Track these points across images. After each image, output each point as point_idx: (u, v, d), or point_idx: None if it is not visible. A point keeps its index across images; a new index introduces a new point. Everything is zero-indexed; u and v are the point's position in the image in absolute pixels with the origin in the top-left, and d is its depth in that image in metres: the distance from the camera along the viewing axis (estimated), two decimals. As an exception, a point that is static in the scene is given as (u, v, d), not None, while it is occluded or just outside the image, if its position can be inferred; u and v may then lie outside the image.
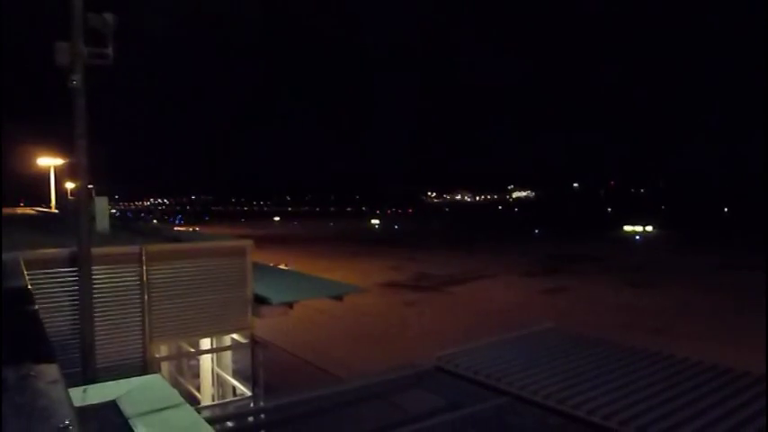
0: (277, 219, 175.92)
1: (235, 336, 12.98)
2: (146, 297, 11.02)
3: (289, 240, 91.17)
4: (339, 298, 13.36)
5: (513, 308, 33.82)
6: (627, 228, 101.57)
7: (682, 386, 8.28)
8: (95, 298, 10.24)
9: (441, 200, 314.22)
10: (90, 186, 12.15)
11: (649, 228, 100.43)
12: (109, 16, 9.30)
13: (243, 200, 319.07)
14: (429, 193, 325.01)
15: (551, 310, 32.24)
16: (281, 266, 37.92)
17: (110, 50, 9.46)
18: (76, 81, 9.45)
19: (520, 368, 9.25)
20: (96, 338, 10.05)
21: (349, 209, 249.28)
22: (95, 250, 10.24)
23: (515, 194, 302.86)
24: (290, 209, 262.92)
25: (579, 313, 31.67)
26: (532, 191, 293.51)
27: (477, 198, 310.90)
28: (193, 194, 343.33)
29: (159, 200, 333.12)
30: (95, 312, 10.18)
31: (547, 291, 40.29)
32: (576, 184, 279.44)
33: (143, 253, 11.02)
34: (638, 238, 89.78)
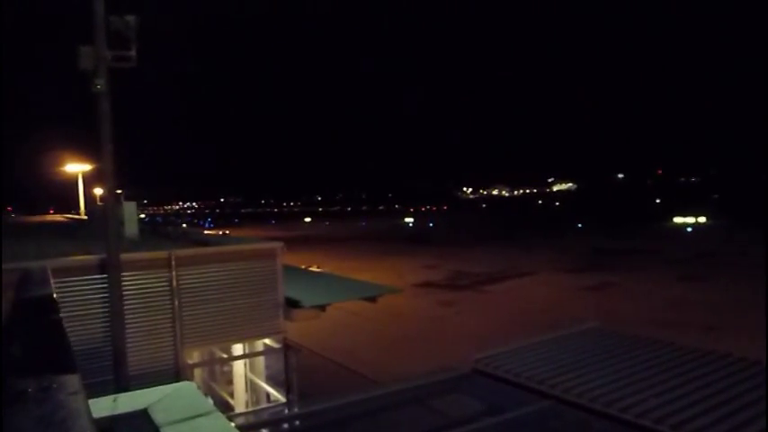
0: (308, 219, 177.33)
1: (267, 341, 13.13)
2: (176, 303, 11.24)
3: (320, 241, 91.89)
4: (373, 299, 13.43)
5: (554, 306, 33.39)
6: (677, 219, 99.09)
7: (738, 388, 8.05)
8: (125, 304, 10.52)
9: (477, 195, 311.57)
10: (118, 191, 12.47)
11: (702, 219, 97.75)
12: (131, 18, 9.52)
13: (272, 201, 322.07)
14: (464, 189, 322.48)
15: (596, 308, 31.71)
16: (313, 268, 38.43)
17: (133, 52, 9.68)
18: (101, 85, 9.70)
19: (563, 370, 9.13)
20: (127, 346, 10.36)
21: (381, 207, 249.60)
22: (124, 256, 10.53)
23: (556, 187, 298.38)
24: (320, 209, 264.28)
25: (626, 311, 31.08)
26: (574, 183, 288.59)
27: (516, 192, 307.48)
28: (222, 197, 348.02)
29: (189, 203, 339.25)
30: (126, 319, 10.47)
31: (591, 288, 39.65)
32: (620, 175, 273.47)
33: (172, 258, 11.22)
34: (689, 229, 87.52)
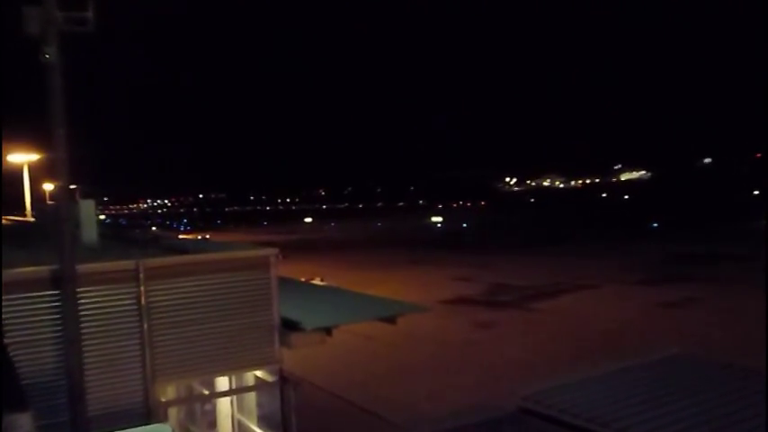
0: (308, 220, 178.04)
1: (259, 373, 13.23)
2: (145, 325, 11.37)
3: (324, 247, 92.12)
4: (392, 320, 13.52)
5: (623, 328, 33.16)
6: None
7: None
8: (83, 327, 10.60)
9: (523, 187, 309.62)
10: (73, 187, 12.63)
11: None
12: (87, -29, 9.51)
13: (264, 197, 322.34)
14: (507, 180, 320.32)
15: (676, 330, 31.42)
16: (316, 281, 38.29)
17: (89, 14, 9.65)
18: (50, 54, 9.73)
19: (635, 408, 9.08)
20: (87, 379, 10.44)
21: (401, 204, 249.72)
22: (81, 267, 10.62)
23: (624, 176, 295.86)
24: (324, 206, 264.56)
25: (716, 334, 30.76)
26: (647, 171, 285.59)
27: (573, 183, 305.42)
28: (201, 192, 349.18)
29: (159, 201, 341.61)
30: (84, 346, 10.55)
31: (669, 304, 39.31)
32: (707, 160, 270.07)
33: (140, 269, 11.36)
34: None
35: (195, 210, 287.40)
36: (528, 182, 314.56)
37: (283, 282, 13.26)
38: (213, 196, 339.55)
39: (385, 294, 19.29)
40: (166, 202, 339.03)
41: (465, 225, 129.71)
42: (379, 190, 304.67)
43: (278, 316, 12.39)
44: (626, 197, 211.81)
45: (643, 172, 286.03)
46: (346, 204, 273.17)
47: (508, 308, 41.12)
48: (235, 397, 14.49)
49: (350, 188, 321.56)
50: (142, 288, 11.29)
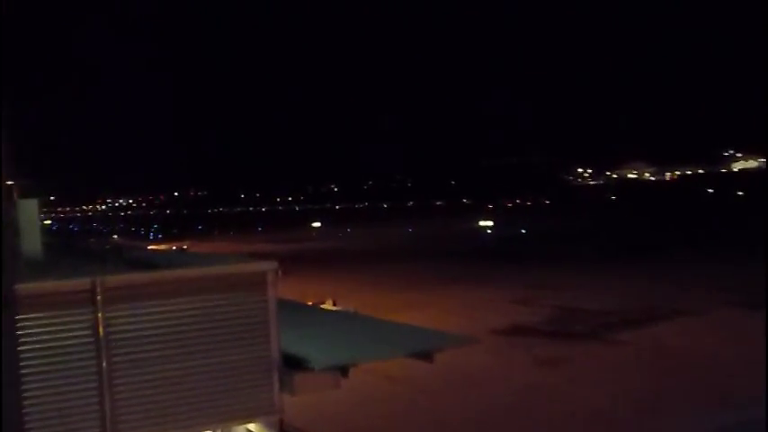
0: (316, 224, 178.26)
1: (252, 426, 13.31)
2: (104, 363, 11.33)
3: (338, 260, 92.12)
4: (428, 357, 13.43)
5: (739, 369, 32.65)
6: None
7: None
8: (24, 365, 10.55)
9: (601, 180, 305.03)
10: (9, 183, 12.64)
11: None
12: None
13: (258, 195, 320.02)
14: (580, 170, 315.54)
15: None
16: (327, 305, 38.40)
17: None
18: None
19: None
20: (28, 432, 10.35)
21: (439, 203, 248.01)
22: (21, 288, 10.55)
23: (737, 166, 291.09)
24: (337, 207, 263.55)
25: None
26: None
27: (667, 175, 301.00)
28: (177, 190, 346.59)
29: (122, 201, 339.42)
30: (24, 389, 10.49)
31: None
32: None
33: (98, 289, 11.30)
34: None
35: (169, 212, 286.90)
36: (607, 173, 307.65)
37: (285, 306, 13.27)
38: (193, 194, 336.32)
39: (418, 322, 19.17)
40: (131, 202, 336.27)
41: (523, 230, 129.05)
42: (409, 184, 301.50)
43: (278, 351, 12.33)
44: (740, 193, 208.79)
45: (762, 161, 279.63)
46: (366, 204, 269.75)
47: (581, 340, 40.98)
48: (221, 458, 14.41)
49: (371, 182, 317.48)
50: (100, 314, 11.24)
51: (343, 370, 12.27)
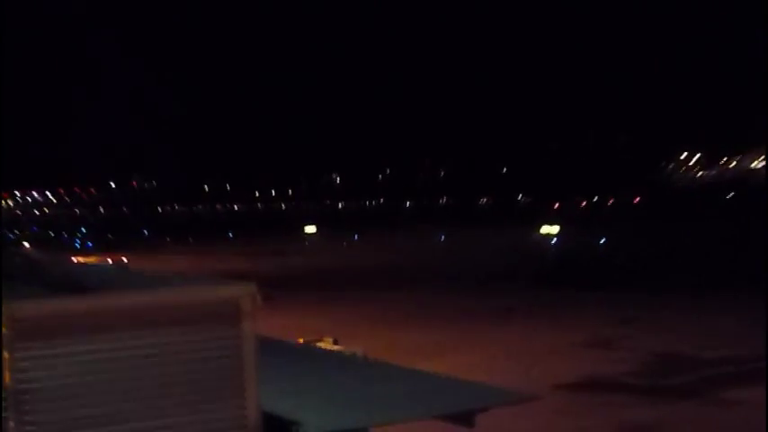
0: (311, 230, 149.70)
1: None
2: (12, 424, 10.01)
3: (339, 280, 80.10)
4: (467, 420, 11.81)
5: None
6: None
7: None
8: None
9: (714, 170, 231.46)
10: None
11: None
12: None
13: (229, 188, 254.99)
14: (685, 157, 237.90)
15: None
16: (325, 344, 33.76)
17: None
18: None
19: None
20: None
21: (484, 200, 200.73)
22: None
23: None
24: (340, 204, 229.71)
25: None
26: None
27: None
28: (113, 179, 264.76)
29: (35, 194, 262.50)
30: None
31: None
32: None
33: (4, 324, 9.93)
34: None
35: (102, 211, 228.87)
36: (722, 162, 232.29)
37: (267, 346, 11.43)
38: (136, 186, 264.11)
39: (454, 372, 16.48)
40: (50, 196, 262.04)
41: (603, 240, 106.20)
42: (442, 174, 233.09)
43: (256, 410, 10.31)
44: None
45: None
46: (381, 201, 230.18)
47: (682, 398, 35.21)
48: None
49: (388, 171, 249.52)
50: (6, 354, 9.52)
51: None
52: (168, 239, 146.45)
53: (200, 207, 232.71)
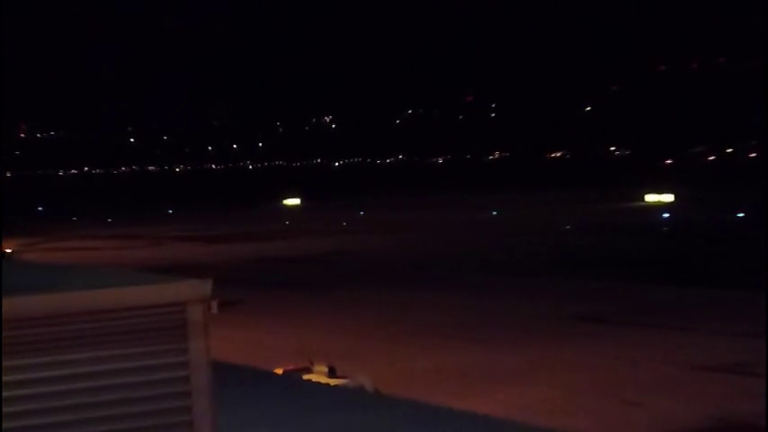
0: (293, 202, 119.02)
1: None
2: None
3: (336, 275, 61.72)
4: None
5: None
6: None
7: None
8: None
9: None
10: None
11: None
12: None
13: (177, 146, 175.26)
14: None
15: None
16: (317, 375, 26.13)
17: None
18: None
19: None
20: None
21: (556, 155, 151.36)
22: None
23: None
24: (337, 164, 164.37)
25: None
26: None
27: None
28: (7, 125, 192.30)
29: None
30: None
31: None
32: None
33: None
34: None
35: None
36: None
37: (230, 376, 8.88)
38: (28, 138, 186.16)
39: (515, 413, 15.16)
40: None
41: (741, 213, 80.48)
42: (493, 115, 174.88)
43: None
44: None
45: None
46: (398, 158, 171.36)
47: None
48: None
49: (409, 111, 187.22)
50: None
51: None
52: (74, 217, 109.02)
53: (124, 169, 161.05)
